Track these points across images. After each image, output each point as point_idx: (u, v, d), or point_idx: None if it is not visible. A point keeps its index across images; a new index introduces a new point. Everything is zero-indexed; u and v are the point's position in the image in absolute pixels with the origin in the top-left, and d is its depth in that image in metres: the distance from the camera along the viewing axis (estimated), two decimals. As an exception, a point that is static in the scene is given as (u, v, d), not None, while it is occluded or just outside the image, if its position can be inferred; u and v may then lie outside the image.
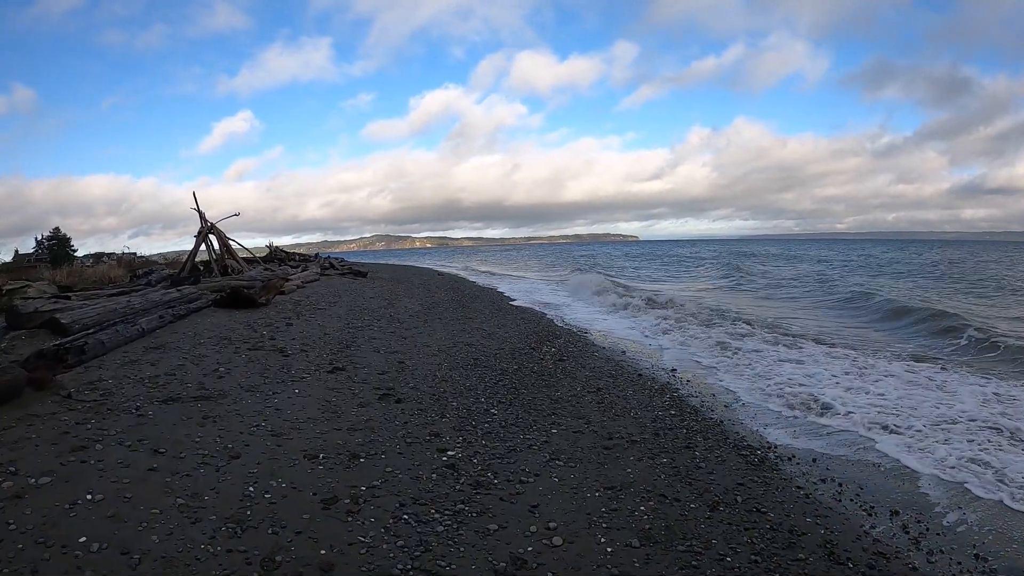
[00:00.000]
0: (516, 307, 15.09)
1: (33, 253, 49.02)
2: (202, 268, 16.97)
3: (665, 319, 13.07)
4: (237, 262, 17.65)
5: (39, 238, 49.81)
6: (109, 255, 45.26)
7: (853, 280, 24.38)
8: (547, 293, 21.50)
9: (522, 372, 7.35)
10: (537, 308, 15.11)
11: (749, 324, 12.42)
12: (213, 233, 16.82)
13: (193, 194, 16.70)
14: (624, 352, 9.68)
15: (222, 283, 13.25)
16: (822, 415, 6.45)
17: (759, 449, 5.49)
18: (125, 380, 5.89)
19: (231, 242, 17.67)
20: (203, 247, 17.59)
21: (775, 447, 5.65)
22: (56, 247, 48.33)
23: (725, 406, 6.88)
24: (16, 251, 50.42)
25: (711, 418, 6.32)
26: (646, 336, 11.25)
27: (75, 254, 48.24)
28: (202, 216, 16.82)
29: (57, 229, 50.14)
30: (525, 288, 23.39)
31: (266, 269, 18.23)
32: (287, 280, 15.17)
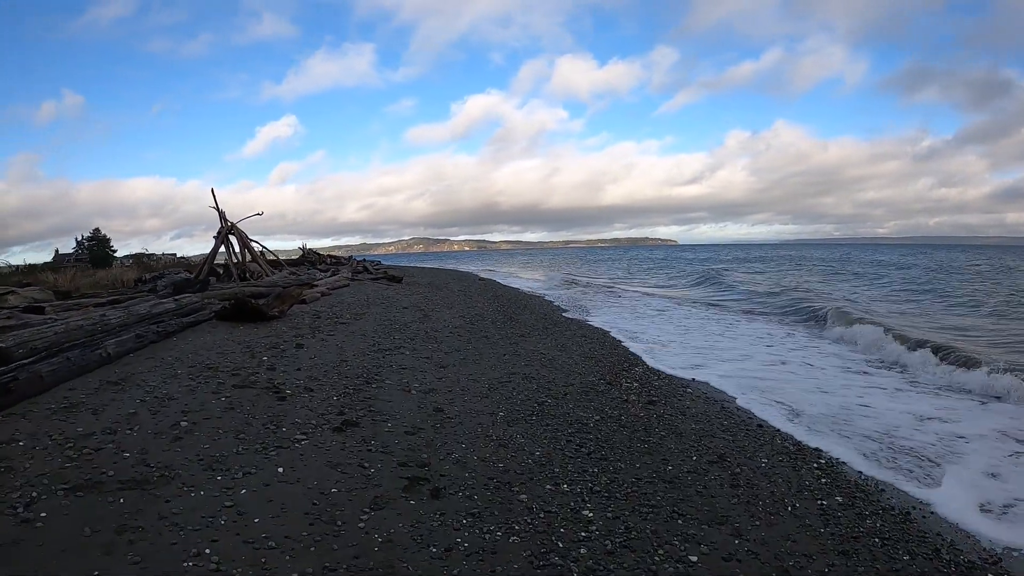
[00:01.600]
0: (571, 320, 12.95)
1: (73, 253, 49.26)
2: (221, 272, 15.38)
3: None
4: (260, 266, 16.02)
5: (79, 238, 50.01)
6: (149, 256, 45.00)
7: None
8: (599, 302, 19.35)
9: (606, 425, 5.23)
10: (595, 323, 12.94)
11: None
12: (233, 234, 15.19)
13: (211, 191, 15.16)
14: (723, 390, 7.48)
15: (234, 290, 11.51)
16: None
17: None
18: (43, 441, 4.03)
19: (254, 244, 16.05)
20: (222, 249, 16.02)
21: (996, 559, 3.54)
22: (96, 248, 48.42)
23: (891, 472, 4.77)
24: (56, 251, 50.80)
25: (893, 508, 4.13)
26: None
27: (115, 254, 48.24)
28: (222, 216, 15.21)
29: (97, 230, 50.27)
30: (573, 296, 21.27)
31: (291, 273, 16.58)
32: (312, 286, 13.39)
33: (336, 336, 8.24)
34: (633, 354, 9.31)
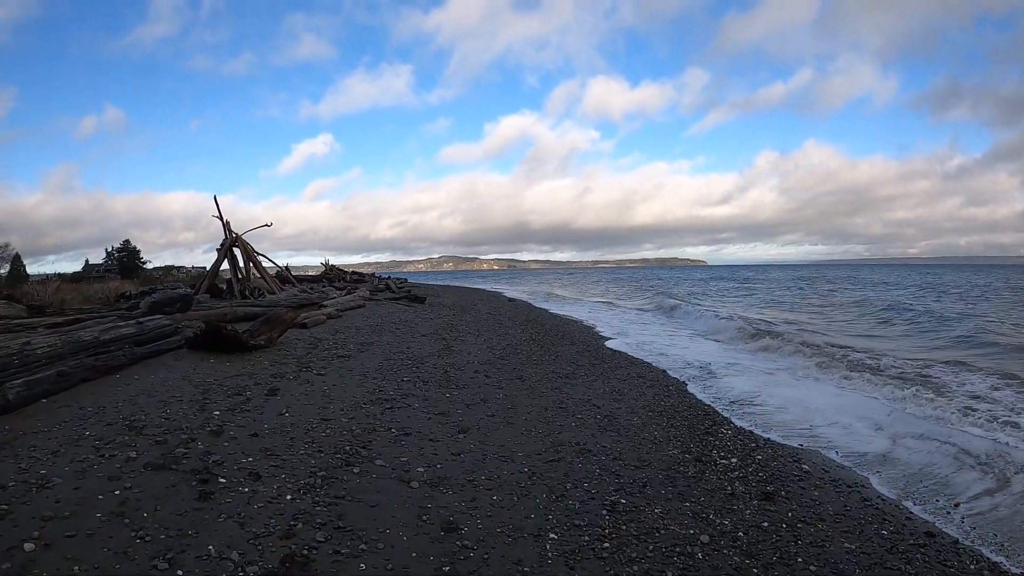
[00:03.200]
0: (618, 354, 10.90)
1: (103, 264, 49.08)
2: (224, 288, 13.79)
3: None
4: (267, 281, 14.39)
5: (109, 249, 49.91)
6: (179, 268, 44.49)
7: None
8: (639, 327, 17.31)
9: (723, 555, 3.24)
10: (646, 357, 10.86)
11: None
12: (238, 246, 13.59)
13: (214, 198, 13.62)
14: (843, 463, 5.41)
15: (223, 311, 9.81)
16: None
17: None
18: None
19: (261, 258, 14.42)
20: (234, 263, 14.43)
21: None
22: (126, 258, 48.17)
23: None
24: (87, 261, 50.76)
25: None
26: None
27: (144, 266, 47.92)
28: (226, 226, 13.64)
29: (127, 241, 50.14)
30: (612, 320, 19.25)
31: (302, 291, 14.92)
32: (319, 307, 11.63)
33: (328, 375, 6.37)
34: (706, 404, 7.26)
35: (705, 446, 5.33)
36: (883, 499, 4.65)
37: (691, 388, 8.16)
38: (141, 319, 7.34)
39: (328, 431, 4.48)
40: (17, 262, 43.74)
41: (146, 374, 5.95)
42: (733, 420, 6.61)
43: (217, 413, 4.70)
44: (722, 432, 5.93)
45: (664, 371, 9.38)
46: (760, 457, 5.23)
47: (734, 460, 5.03)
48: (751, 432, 6.16)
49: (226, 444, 4.03)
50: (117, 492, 3.30)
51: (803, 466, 5.17)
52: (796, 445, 5.88)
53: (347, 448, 4.13)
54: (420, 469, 3.88)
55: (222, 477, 3.50)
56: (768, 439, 5.99)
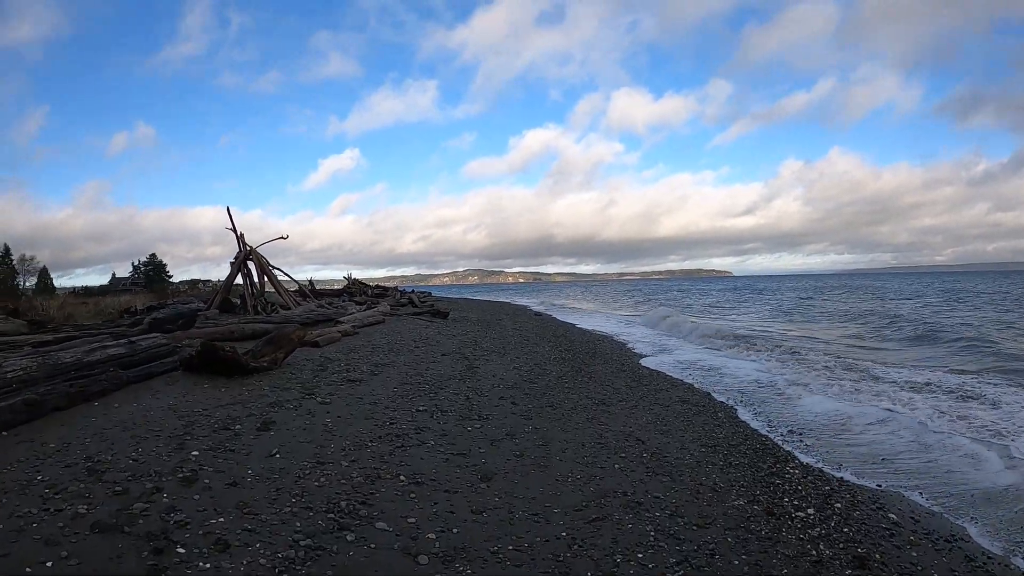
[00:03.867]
0: (656, 375, 10.01)
1: (129, 277, 49.68)
2: (238, 302, 13.26)
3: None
4: (282, 296, 13.84)
5: (136, 263, 50.61)
6: (205, 282, 44.78)
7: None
8: (674, 342, 16.46)
9: None
10: (687, 378, 9.95)
11: None
12: (252, 259, 13.05)
13: (227, 210, 13.14)
14: (932, 508, 4.50)
15: (230, 327, 9.20)
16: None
17: None
18: None
19: (277, 272, 13.87)
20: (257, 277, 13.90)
21: None
22: (152, 272, 48.73)
23: None
24: (113, 274, 51.41)
25: None
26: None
27: (170, 279, 48.43)
28: (240, 239, 13.12)
29: (153, 255, 50.83)
30: (644, 335, 18.40)
31: (320, 306, 14.30)
32: (335, 323, 10.98)
33: (334, 404, 5.64)
34: (763, 435, 6.37)
35: (774, 492, 4.45)
36: (989, 557, 3.77)
37: (742, 415, 7.26)
38: (134, 338, 6.74)
39: (323, 479, 3.72)
40: (44, 275, 44.42)
41: (128, 402, 5.30)
42: (797, 455, 5.72)
43: (196, 453, 3.98)
44: (788, 472, 5.04)
45: (708, 394, 8.49)
46: (839, 505, 4.35)
47: (811, 511, 4.15)
48: (821, 470, 5.27)
49: (196, 496, 3.30)
50: (50, 564, 2.60)
51: (890, 515, 4.29)
52: (874, 486, 4.99)
53: (343, 504, 3.36)
54: (431, 535, 3.09)
55: (181, 545, 2.77)
56: (842, 479, 5.10)
